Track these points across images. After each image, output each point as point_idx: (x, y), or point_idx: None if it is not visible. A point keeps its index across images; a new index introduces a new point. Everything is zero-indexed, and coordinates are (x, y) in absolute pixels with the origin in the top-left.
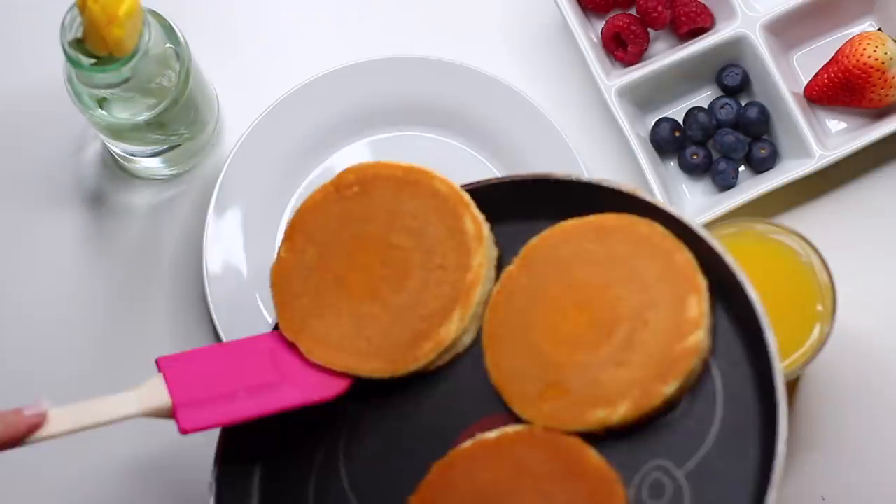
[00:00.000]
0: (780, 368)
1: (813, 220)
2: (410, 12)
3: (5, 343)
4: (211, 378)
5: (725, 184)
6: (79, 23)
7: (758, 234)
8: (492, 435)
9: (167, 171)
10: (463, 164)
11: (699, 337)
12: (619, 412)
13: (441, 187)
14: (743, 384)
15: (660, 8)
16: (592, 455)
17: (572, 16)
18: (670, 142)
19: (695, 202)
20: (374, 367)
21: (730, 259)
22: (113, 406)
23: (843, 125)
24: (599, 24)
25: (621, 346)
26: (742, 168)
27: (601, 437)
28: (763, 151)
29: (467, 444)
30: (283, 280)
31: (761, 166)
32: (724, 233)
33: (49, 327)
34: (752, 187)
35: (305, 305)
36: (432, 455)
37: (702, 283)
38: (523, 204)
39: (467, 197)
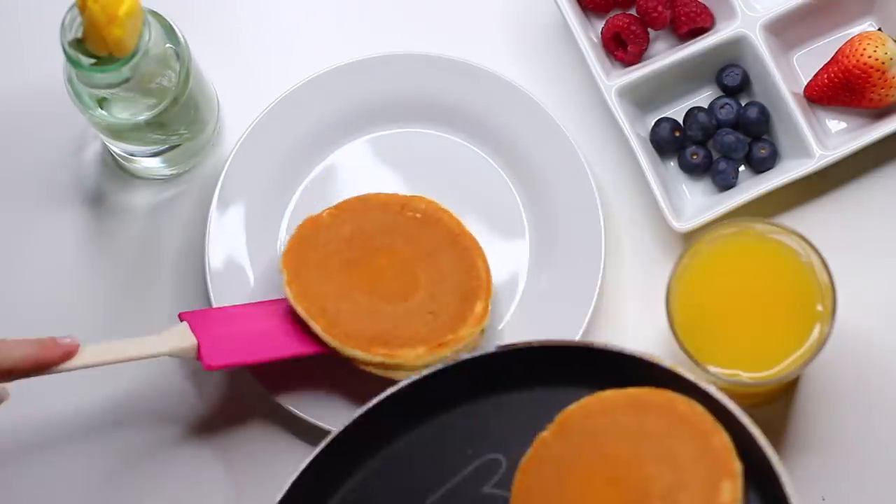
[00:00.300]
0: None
1: (813, 220)
2: (410, 12)
3: None
4: (230, 325)
5: (725, 184)
6: (79, 23)
7: (758, 234)
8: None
9: (167, 171)
10: (464, 161)
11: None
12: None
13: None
14: None
15: (660, 8)
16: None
17: (572, 16)
18: (670, 142)
19: (695, 202)
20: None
21: (765, 443)
22: (141, 345)
23: (843, 125)
24: (599, 24)
25: None
26: (742, 168)
27: None
28: (763, 151)
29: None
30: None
31: (761, 166)
32: (724, 233)
33: (49, 327)
34: (752, 187)
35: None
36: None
37: (737, 467)
38: (560, 370)
39: None
